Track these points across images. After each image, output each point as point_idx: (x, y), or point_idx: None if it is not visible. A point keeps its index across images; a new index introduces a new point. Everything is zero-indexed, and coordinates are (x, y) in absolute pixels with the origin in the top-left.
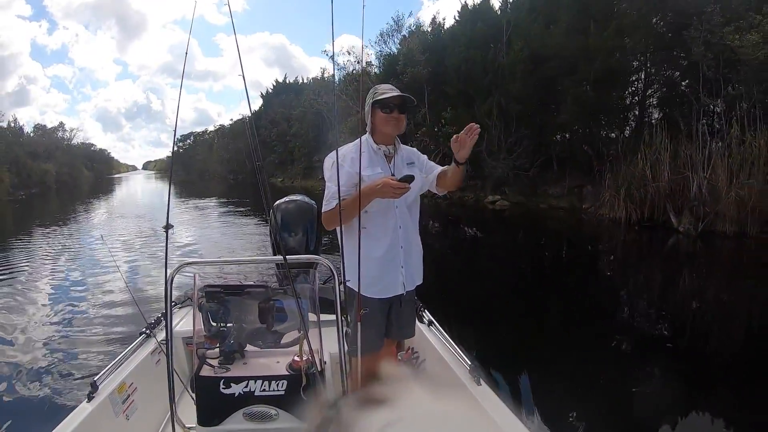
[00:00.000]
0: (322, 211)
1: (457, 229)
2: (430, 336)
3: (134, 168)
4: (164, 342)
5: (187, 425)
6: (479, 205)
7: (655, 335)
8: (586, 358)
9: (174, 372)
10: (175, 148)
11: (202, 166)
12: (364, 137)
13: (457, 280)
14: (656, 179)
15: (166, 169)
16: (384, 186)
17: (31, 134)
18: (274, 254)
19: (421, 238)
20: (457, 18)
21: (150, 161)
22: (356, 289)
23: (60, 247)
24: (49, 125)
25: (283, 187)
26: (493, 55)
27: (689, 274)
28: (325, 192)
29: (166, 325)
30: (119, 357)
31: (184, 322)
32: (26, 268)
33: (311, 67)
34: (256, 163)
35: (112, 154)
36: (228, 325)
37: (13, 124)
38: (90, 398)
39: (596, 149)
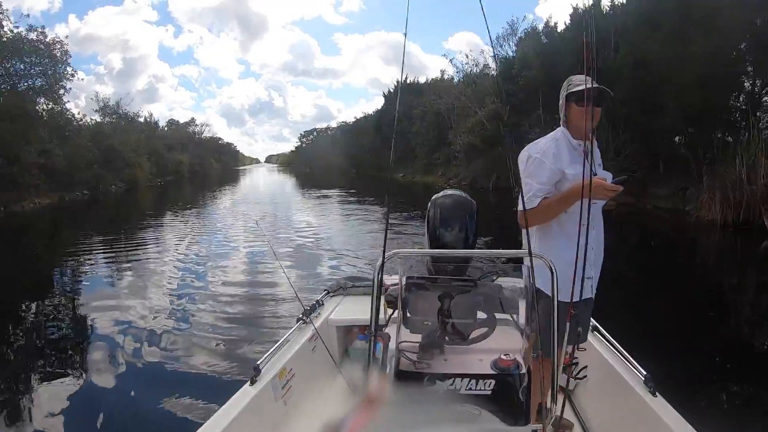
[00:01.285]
0: (523, 209)
1: None
2: (595, 342)
3: (257, 161)
4: (316, 329)
5: None
6: None
7: None
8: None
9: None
10: (299, 143)
11: (325, 161)
12: (560, 131)
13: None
14: (752, 182)
15: (288, 163)
16: (597, 187)
17: (165, 128)
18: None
19: None
20: (567, 23)
21: (273, 155)
22: (547, 292)
23: (207, 230)
24: (179, 120)
25: (405, 182)
26: (603, 60)
27: None
28: (524, 188)
29: (372, 318)
30: (279, 342)
31: (338, 309)
32: (188, 250)
33: (429, 63)
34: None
35: (237, 148)
36: (431, 318)
37: (149, 119)
38: (253, 382)
39: (700, 151)
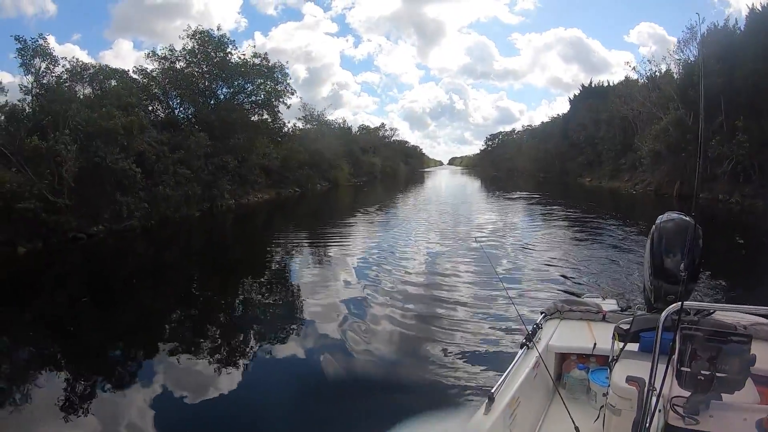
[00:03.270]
0: None
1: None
2: None
3: (440, 163)
4: (540, 356)
5: None
6: None
7: None
8: None
9: (556, 386)
10: (484, 146)
11: (510, 164)
12: None
13: None
14: None
15: (473, 166)
16: None
17: (358, 133)
18: (652, 276)
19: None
20: (744, 22)
21: (455, 157)
22: None
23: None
24: (359, 124)
25: (590, 187)
26: None
27: None
28: None
29: (650, 376)
30: (509, 370)
31: (557, 335)
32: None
33: (612, 60)
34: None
35: (422, 150)
36: (704, 372)
37: (342, 125)
38: (487, 411)
39: None
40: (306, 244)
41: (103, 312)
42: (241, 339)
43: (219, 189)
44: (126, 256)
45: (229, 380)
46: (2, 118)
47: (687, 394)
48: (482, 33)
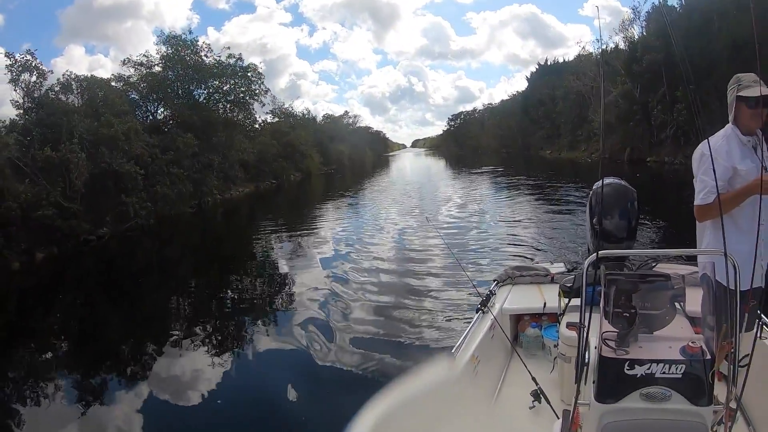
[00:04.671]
0: (698, 203)
1: None
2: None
3: (403, 146)
4: (495, 319)
5: (580, 402)
6: None
7: None
8: None
9: (513, 346)
10: (447, 127)
11: (474, 142)
12: (730, 129)
13: None
14: None
15: (437, 146)
16: (766, 185)
17: (322, 122)
18: (593, 238)
19: None
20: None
21: (418, 139)
22: (724, 284)
23: (380, 220)
24: (321, 113)
25: (551, 158)
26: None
27: None
28: (698, 184)
29: (580, 319)
30: (466, 332)
31: (510, 299)
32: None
33: (568, 34)
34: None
35: (386, 135)
36: (630, 311)
37: (307, 115)
38: (450, 368)
39: None
40: (289, 232)
41: (122, 308)
42: (238, 323)
43: (207, 186)
44: (134, 254)
45: (234, 359)
46: (14, 134)
47: (616, 330)
48: (437, 14)
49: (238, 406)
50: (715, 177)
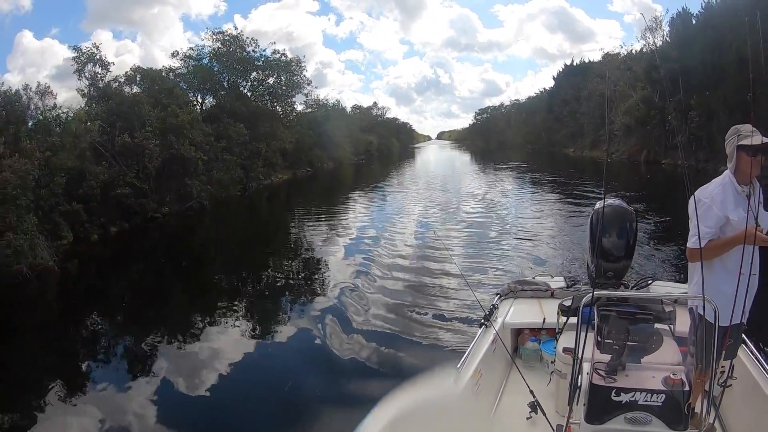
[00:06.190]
0: (690, 246)
1: None
2: (742, 354)
3: (428, 138)
4: (498, 334)
5: (571, 422)
6: None
7: None
8: None
9: (513, 361)
10: (473, 121)
11: (501, 137)
12: (727, 177)
13: None
14: None
15: (462, 139)
16: (758, 239)
17: (352, 113)
18: (593, 256)
19: None
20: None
21: (444, 131)
22: (712, 320)
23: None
24: (347, 102)
25: (574, 156)
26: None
27: None
28: (692, 228)
29: (575, 350)
30: (470, 347)
31: (512, 312)
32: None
33: (596, 29)
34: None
35: (412, 126)
36: (619, 342)
37: (337, 105)
38: (455, 381)
39: None
40: (321, 219)
41: (180, 279)
42: (268, 303)
43: (254, 172)
44: (193, 231)
45: (259, 334)
46: (98, 122)
47: (607, 359)
48: (464, 5)
49: (255, 381)
50: (700, 228)
